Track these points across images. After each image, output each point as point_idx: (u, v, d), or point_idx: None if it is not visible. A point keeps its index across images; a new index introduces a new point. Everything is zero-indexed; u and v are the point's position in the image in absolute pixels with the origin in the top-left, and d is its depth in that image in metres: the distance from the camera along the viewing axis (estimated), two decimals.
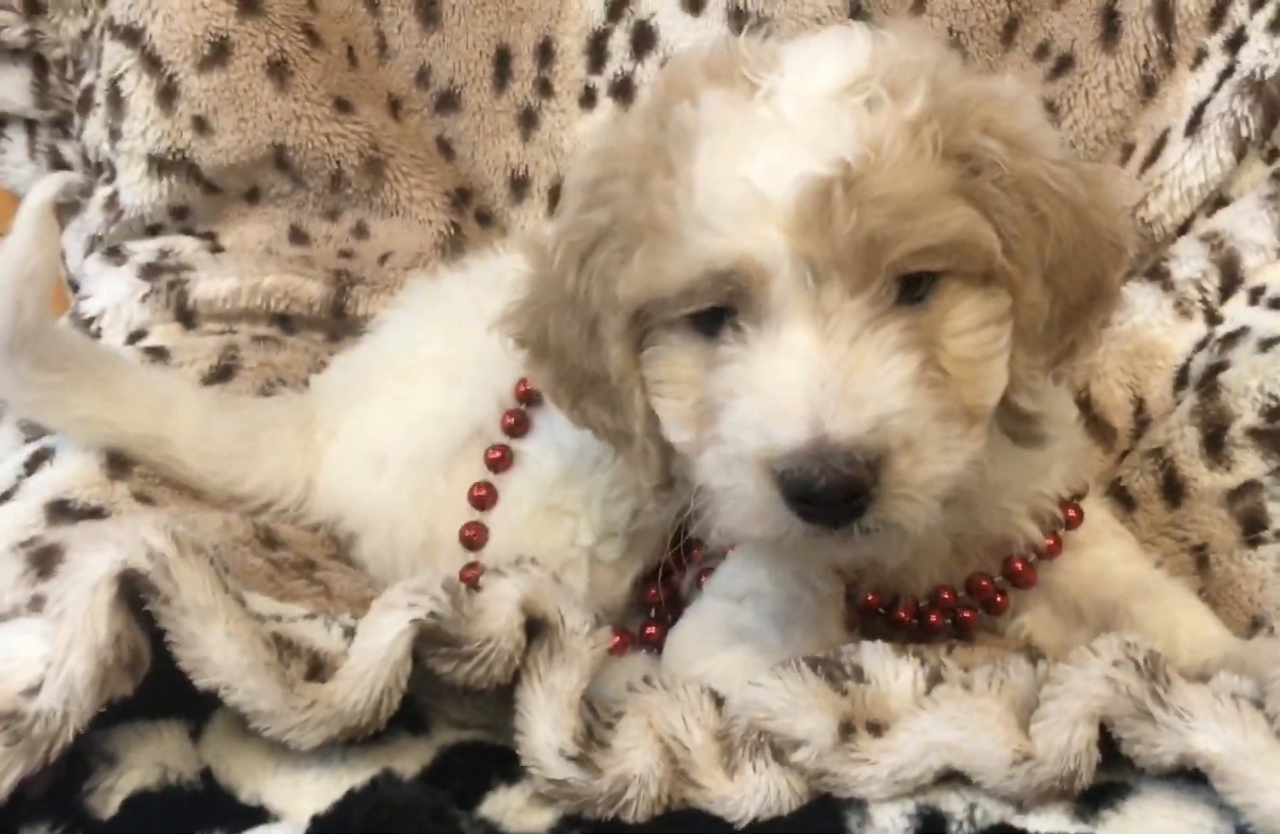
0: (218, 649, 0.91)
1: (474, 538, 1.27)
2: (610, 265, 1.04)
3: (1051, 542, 1.23)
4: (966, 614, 1.24)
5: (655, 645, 1.25)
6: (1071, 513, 1.24)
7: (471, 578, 1.22)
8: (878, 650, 1.00)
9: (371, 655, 0.93)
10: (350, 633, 0.97)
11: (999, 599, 1.24)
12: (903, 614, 1.22)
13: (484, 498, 1.27)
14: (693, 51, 1.12)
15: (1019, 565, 1.23)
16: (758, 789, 0.93)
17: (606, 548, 1.26)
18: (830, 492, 0.93)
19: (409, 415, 1.33)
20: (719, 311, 1.01)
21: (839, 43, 1.03)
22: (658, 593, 1.28)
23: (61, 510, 1.26)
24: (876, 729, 0.93)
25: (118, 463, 1.33)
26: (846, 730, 0.93)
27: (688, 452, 1.05)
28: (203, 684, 0.92)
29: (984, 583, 1.23)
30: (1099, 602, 1.24)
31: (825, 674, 0.97)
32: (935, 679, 0.97)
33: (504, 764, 0.96)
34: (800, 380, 0.94)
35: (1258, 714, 0.87)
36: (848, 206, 0.94)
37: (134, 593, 0.91)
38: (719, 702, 0.98)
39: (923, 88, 0.99)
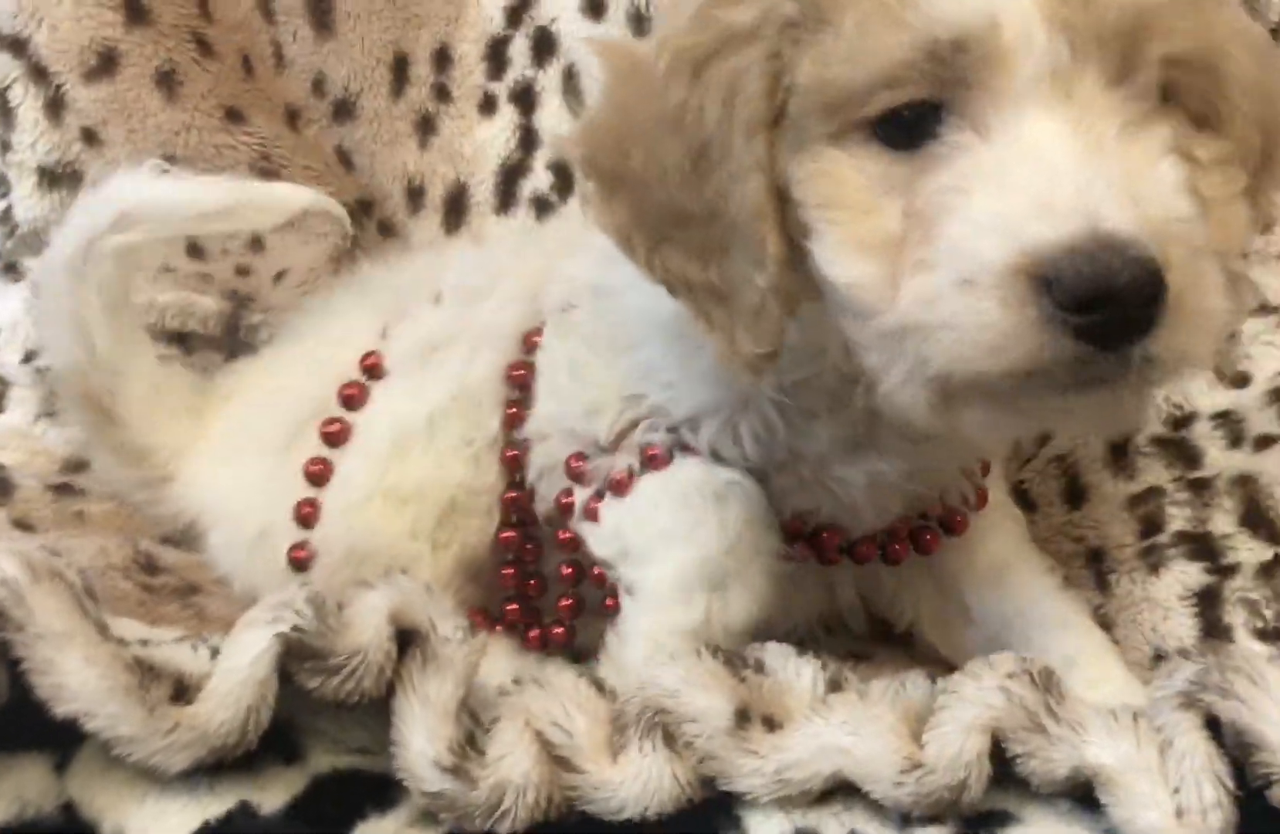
0: (75, 675, 0.89)
1: (309, 515, 1.22)
2: (744, 76, 0.87)
3: (959, 518, 1.20)
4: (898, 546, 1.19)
5: (521, 626, 1.22)
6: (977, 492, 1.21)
7: (300, 559, 1.21)
8: (781, 650, 0.99)
9: (235, 674, 0.90)
10: (217, 653, 0.95)
11: (899, 547, 1.19)
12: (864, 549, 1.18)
13: (319, 473, 1.23)
14: None
15: (929, 537, 1.19)
16: (640, 773, 0.90)
17: (441, 534, 1.21)
18: (1133, 288, 0.77)
19: (263, 402, 1.32)
20: (915, 114, 0.85)
21: None
22: (511, 574, 1.23)
23: None
24: (771, 724, 0.92)
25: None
26: (742, 718, 0.91)
27: (863, 292, 0.87)
28: (62, 711, 0.89)
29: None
30: (992, 611, 1.21)
31: (725, 660, 0.96)
32: (834, 686, 0.96)
33: (378, 792, 0.94)
34: (1067, 166, 0.79)
35: (1153, 731, 0.86)
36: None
37: None
38: (600, 688, 0.97)
39: None
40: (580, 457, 1.14)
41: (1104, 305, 0.77)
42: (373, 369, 1.25)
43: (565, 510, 1.17)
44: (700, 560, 1.08)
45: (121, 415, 1.35)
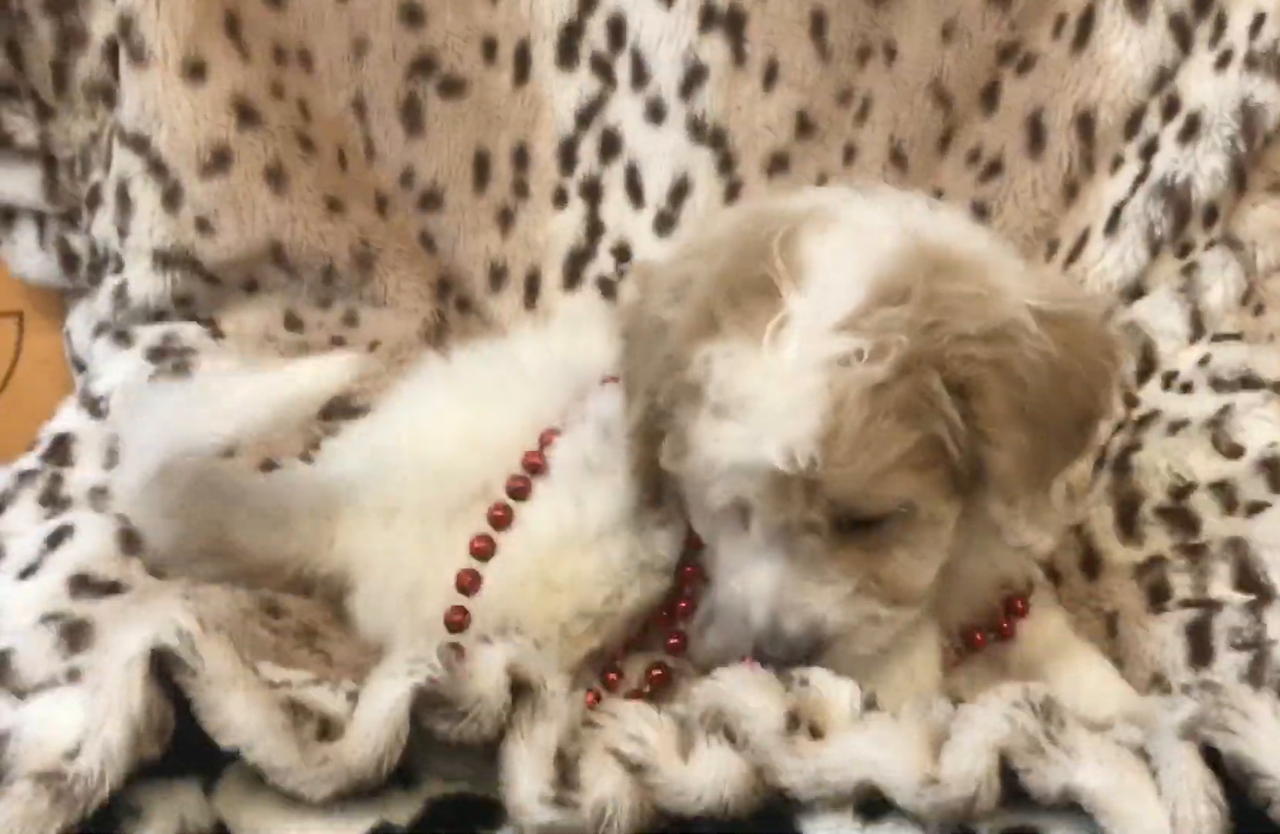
0: (239, 714, 1.01)
1: (469, 584, 1.35)
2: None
3: (1005, 625, 1.39)
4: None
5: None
6: (1020, 605, 1.40)
7: (458, 621, 1.34)
8: (822, 673, 1.14)
9: (375, 716, 1.02)
10: (353, 697, 1.07)
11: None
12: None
13: (483, 549, 1.36)
14: (740, 221, 1.26)
15: (978, 637, 1.39)
16: (709, 764, 1.03)
17: (576, 625, 1.35)
18: (780, 659, 1.18)
19: (424, 470, 1.41)
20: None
21: (855, 258, 1.16)
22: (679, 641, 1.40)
23: (83, 585, 1.38)
24: (815, 732, 1.06)
25: (131, 538, 1.45)
26: (793, 723, 1.05)
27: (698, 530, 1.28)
28: (226, 744, 1.01)
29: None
30: (1024, 660, 1.39)
31: (773, 672, 1.12)
32: (870, 705, 1.10)
33: (486, 814, 1.05)
34: (766, 593, 1.19)
35: (1137, 761, 0.99)
36: (804, 495, 1.14)
37: (162, 666, 1.02)
38: (658, 709, 1.10)
39: (902, 340, 1.12)
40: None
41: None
42: (535, 468, 1.38)
43: None
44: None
45: (249, 548, 1.42)
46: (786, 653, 1.18)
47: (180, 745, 1.04)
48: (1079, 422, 1.22)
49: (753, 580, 1.20)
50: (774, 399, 1.12)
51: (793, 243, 1.17)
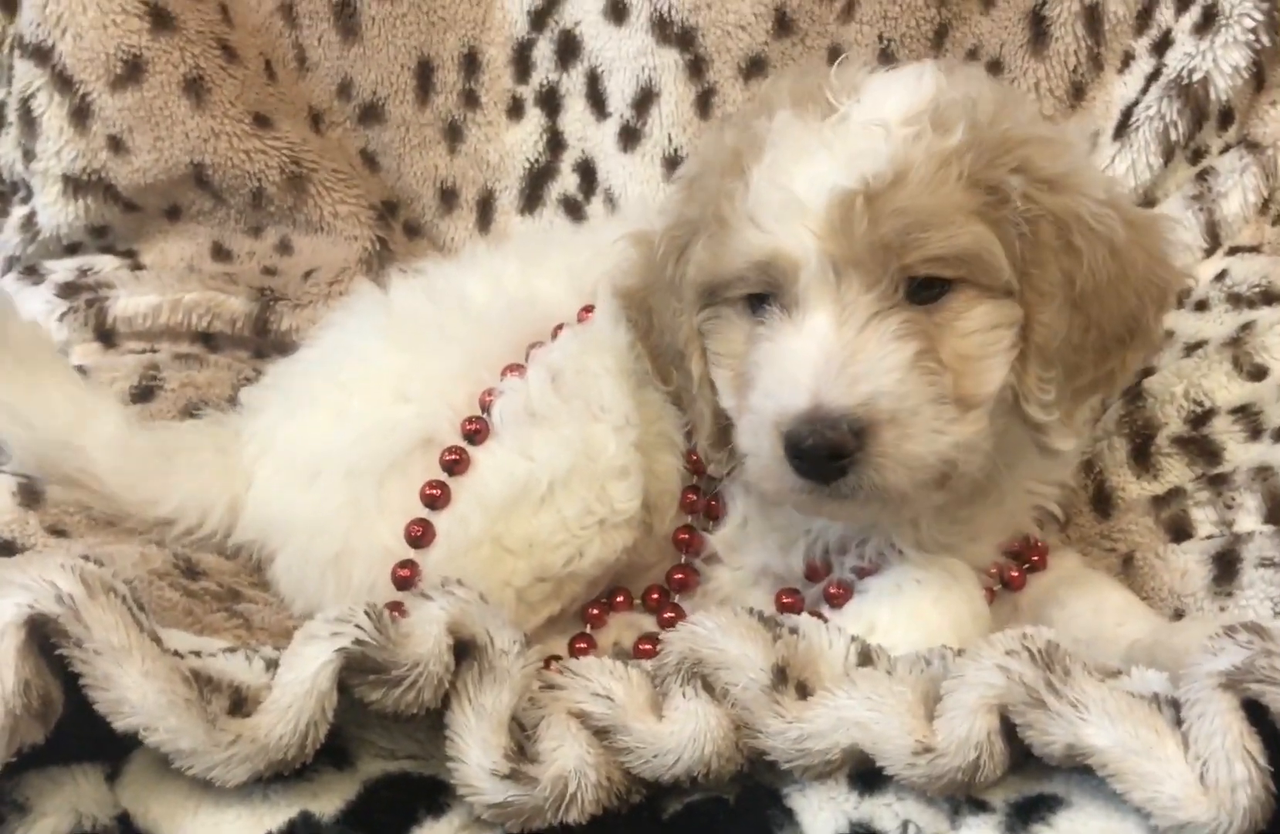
0: (135, 689, 0.89)
1: (421, 536, 1.24)
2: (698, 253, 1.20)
3: (1016, 574, 1.30)
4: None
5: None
6: (1036, 558, 1.31)
7: (406, 577, 1.23)
8: (814, 622, 1.03)
9: (295, 688, 0.91)
10: (272, 665, 0.95)
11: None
12: None
13: (436, 497, 1.25)
14: (789, 75, 1.26)
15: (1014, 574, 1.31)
16: (686, 716, 0.94)
17: (534, 591, 1.26)
18: (816, 450, 1.08)
19: (350, 428, 1.30)
20: (763, 296, 1.17)
21: (911, 79, 1.18)
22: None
23: None
24: (804, 691, 0.95)
25: (30, 494, 1.31)
26: (780, 678, 0.95)
27: (733, 416, 1.20)
28: (121, 726, 0.90)
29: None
30: (1037, 596, 1.30)
31: (759, 618, 1.00)
32: (865, 659, 0.99)
33: (431, 796, 0.95)
34: (810, 358, 1.10)
35: (1153, 713, 0.88)
36: (866, 216, 1.09)
37: (44, 637, 0.89)
38: (625, 663, 1.00)
39: (964, 125, 1.13)
40: (790, 593, 1.30)
41: (809, 455, 1.09)
42: (488, 408, 1.28)
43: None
44: (954, 630, 1.19)
45: (117, 494, 1.32)
46: (830, 442, 1.08)
47: (76, 729, 0.92)
48: (1121, 331, 1.17)
49: (795, 346, 1.12)
50: (841, 147, 1.12)
51: (850, 70, 1.20)
